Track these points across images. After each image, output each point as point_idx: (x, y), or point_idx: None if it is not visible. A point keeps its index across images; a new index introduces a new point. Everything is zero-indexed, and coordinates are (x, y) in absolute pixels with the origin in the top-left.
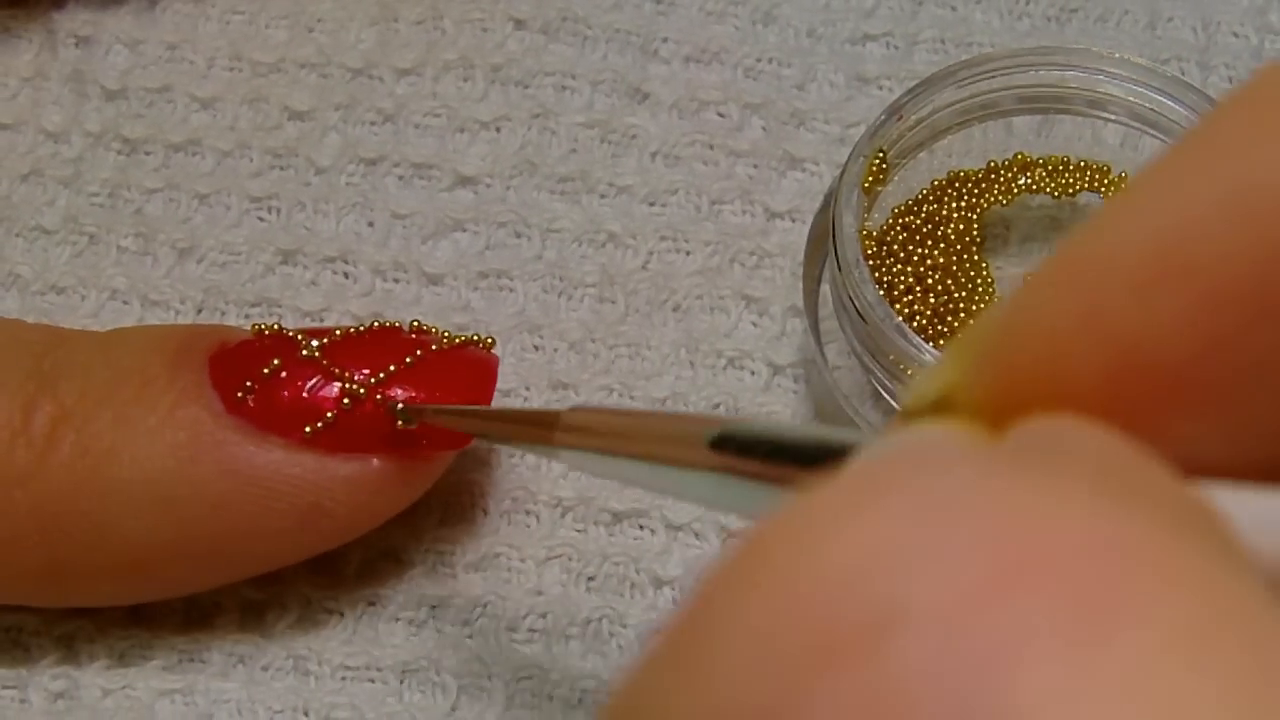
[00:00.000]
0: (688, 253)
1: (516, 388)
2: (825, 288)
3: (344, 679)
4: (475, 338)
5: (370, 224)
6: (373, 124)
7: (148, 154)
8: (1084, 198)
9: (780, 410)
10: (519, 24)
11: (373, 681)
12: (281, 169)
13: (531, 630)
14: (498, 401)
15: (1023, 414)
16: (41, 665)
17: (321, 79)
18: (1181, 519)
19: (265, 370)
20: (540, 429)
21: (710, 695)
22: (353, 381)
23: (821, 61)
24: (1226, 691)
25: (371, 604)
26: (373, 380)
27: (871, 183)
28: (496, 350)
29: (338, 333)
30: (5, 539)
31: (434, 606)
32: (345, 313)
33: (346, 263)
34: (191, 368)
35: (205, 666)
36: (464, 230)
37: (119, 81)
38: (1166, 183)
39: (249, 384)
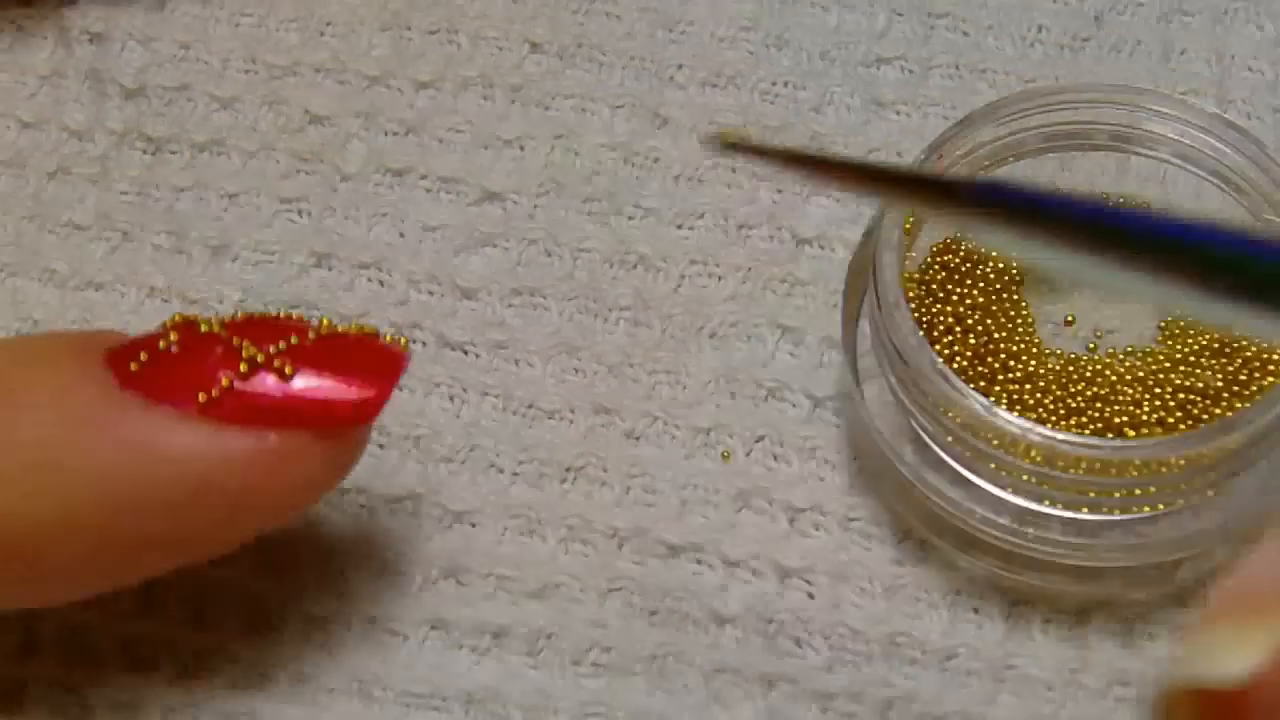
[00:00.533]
0: (719, 277)
1: (560, 409)
2: (863, 324)
3: (407, 705)
4: (391, 336)
5: (401, 234)
6: (395, 134)
7: (173, 153)
8: None
9: (823, 445)
10: (535, 46)
11: (437, 710)
12: (308, 173)
13: (595, 664)
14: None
15: None
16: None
17: (339, 84)
18: None
19: (161, 344)
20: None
21: None
22: (250, 349)
23: (836, 84)
24: None
25: (435, 628)
26: (271, 349)
27: (912, 223)
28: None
29: (239, 316)
30: None
31: (496, 635)
32: (383, 319)
33: (381, 270)
34: (89, 352)
35: (269, 684)
36: (494, 245)
37: (136, 80)
38: None
39: (142, 356)
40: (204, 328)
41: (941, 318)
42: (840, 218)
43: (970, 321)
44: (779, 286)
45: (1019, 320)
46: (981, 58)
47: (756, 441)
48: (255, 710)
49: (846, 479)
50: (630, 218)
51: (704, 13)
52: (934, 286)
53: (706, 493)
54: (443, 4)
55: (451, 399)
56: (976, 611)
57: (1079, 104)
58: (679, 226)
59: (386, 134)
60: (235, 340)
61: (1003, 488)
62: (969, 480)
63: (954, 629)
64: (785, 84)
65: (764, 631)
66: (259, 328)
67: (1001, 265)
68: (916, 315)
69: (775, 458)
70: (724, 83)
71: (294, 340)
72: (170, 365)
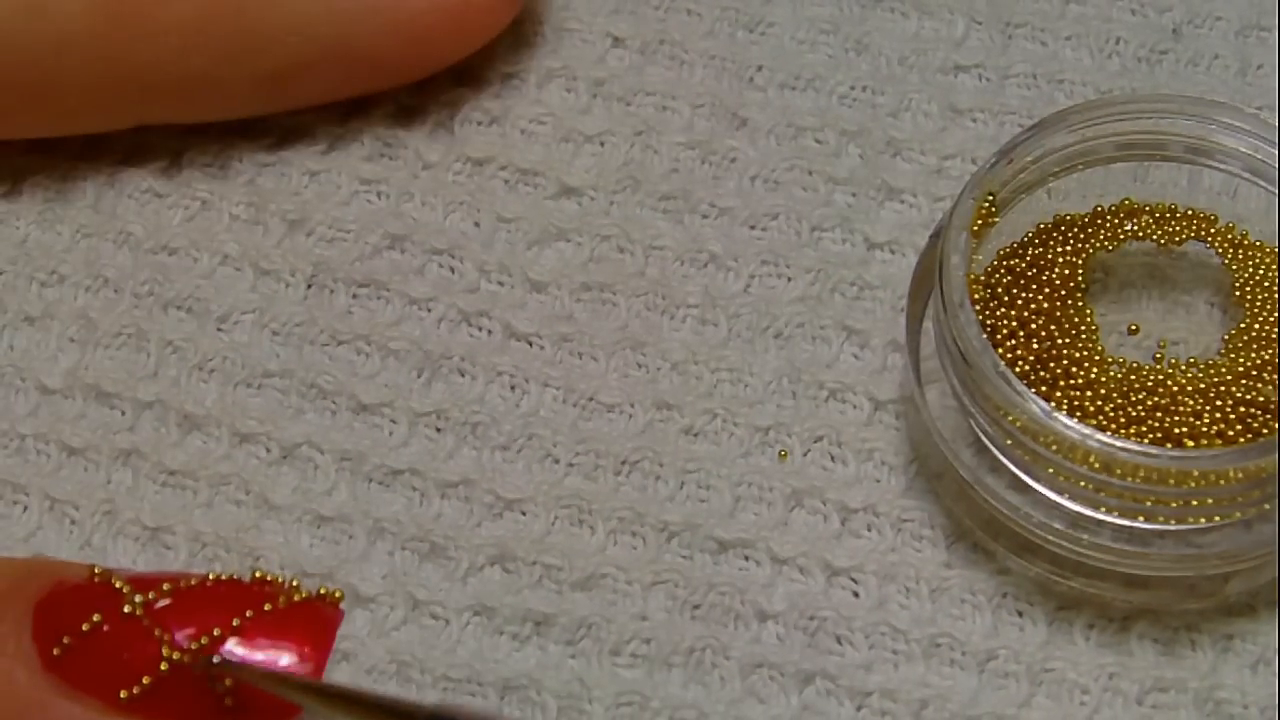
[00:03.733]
0: (789, 279)
1: (621, 403)
2: (928, 325)
3: (445, 690)
4: (322, 591)
5: (476, 223)
6: (479, 124)
7: (261, 132)
8: (1190, 246)
9: (881, 447)
10: (617, 41)
11: (473, 695)
12: (391, 158)
13: (634, 655)
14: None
15: None
16: None
17: None
18: None
19: (85, 626)
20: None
21: None
22: (174, 646)
23: (914, 90)
24: None
25: (478, 614)
26: (195, 644)
27: (980, 225)
28: (343, 606)
29: (166, 587)
30: None
31: (539, 623)
32: (451, 305)
33: (453, 257)
34: (13, 614)
35: None
36: (568, 240)
37: None
38: None
39: (65, 641)
40: (127, 608)
41: (1005, 321)
42: (914, 223)
43: (1034, 326)
44: (848, 289)
45: (1082, 327)
46: (1059, 68)
47: (815, 442)
48: None
49: (903, 482)
50: (704, 216)
51: (785, 15)
52: (999, 290)
53: (761, 490)
54: None
55: (513, 388)
56: (1021, 615)
57: (1151, 114)
58: (752, 227)
59: (470, 124)
60: (158, 632)
61: (1059, 493)
62: (1027, 484)
63: (997, 631)
64: (864, 88)
65: (806, 628)
66: (187, 607)
67: (1068, 272)
68: (980, 318)
69: (833, 458)
70: (803, 85)
71: (217, 633)
72: (93, 651)
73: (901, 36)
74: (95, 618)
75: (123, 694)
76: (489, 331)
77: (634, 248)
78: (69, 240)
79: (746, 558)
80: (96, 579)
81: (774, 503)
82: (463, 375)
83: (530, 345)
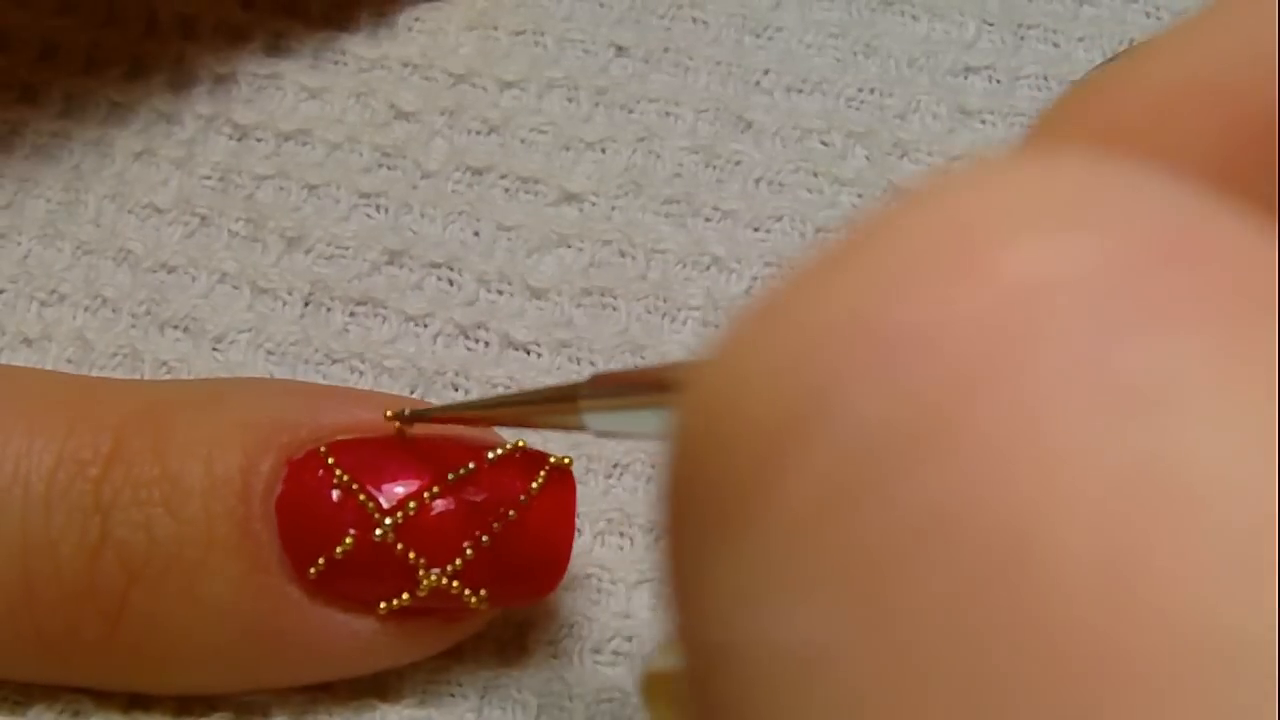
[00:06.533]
0: None
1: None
2: None
3: (424, 693)
4: (552, 461)
5: (476, 233)
6: (479, 133)
7: (259, 140)
8: None
9: None
10: (620, 50)
11: (453, 696)
12: (390, 168)
13: (616, 653)
14: None
15: None
16: None
17: (425, 81)
18: None
19: (338, 550)
20: (563, 402)
21: (845, 306)
22: (427, 571)
23: (923, 92)
24: None
25: None
26: (447, 574)
27: None
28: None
29: (412, 505)
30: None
31: (520, 624)
32: (448, 320)
33: (451, 269)
34: (258, 520)
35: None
36: (569, 246)
37: (228, 65)
38: None
39: (320, 561)
40: (378, 532)
41: None
42: None
43: None
44: None
45: None
46: (1071, 69)
47: None
48: (268, 704)
49: None
50: (707, 219)
51: (793, 19)
52: None
53: None
54: (529, 5)
55: None
56: None
57: None
58: (755, 229)
59: (470, 132)
60: (411, 556)
61: None
62: None
63: None
64: (872, 91)
65: None
66: (433, 527)
67: None
68: None
69: None
70: (810, 89)
71: (469, 552)
72: (349, 572)
73: (911, 39)
74: (348, 540)
75: (382, 606)
76: (485, 344)
77: (635, 251)
78: (70, 258)
79: None
80: (336, 477)
81: None
82: (456, 390)
83: (528, 354)
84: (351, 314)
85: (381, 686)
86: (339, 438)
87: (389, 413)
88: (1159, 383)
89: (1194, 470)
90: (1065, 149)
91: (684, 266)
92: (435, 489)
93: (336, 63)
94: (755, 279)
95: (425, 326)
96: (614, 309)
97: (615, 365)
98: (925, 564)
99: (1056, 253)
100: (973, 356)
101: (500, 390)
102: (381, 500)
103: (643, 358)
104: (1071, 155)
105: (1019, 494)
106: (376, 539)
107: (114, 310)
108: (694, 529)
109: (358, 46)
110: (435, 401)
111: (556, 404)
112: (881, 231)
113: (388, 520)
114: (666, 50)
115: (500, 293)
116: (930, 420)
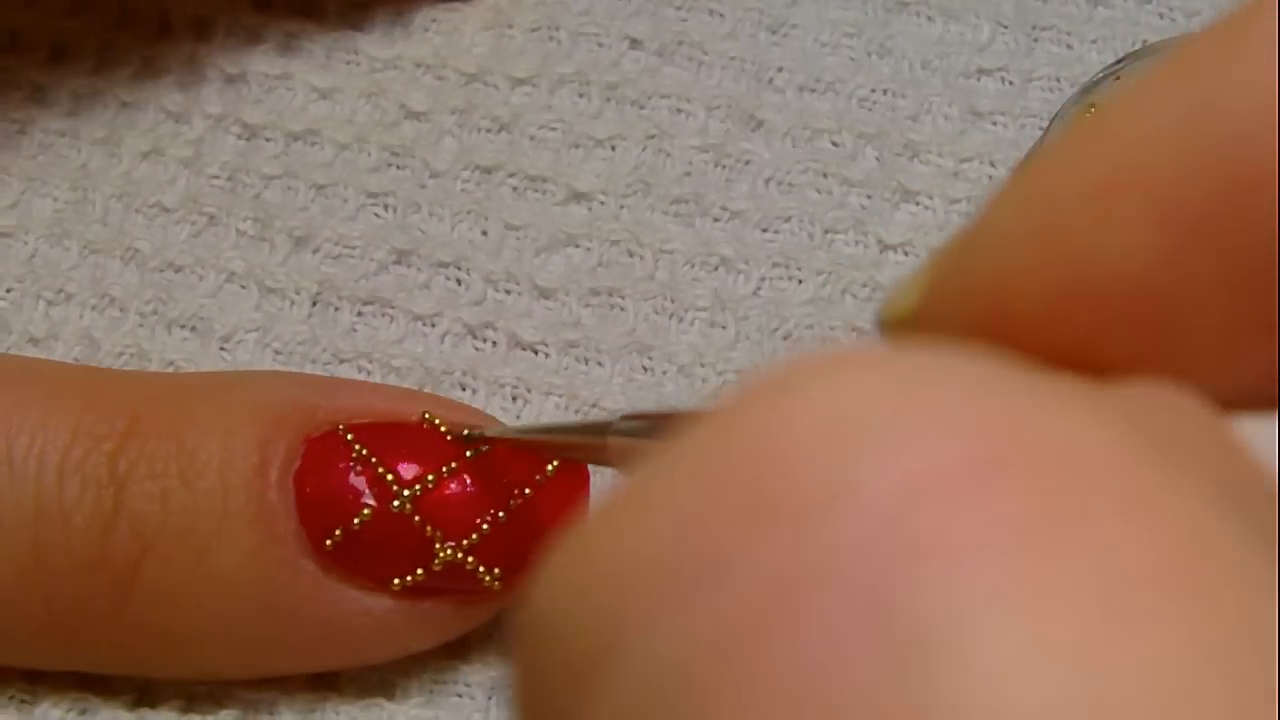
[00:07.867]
0: (800, 281)
1: (624, 408)
2: None
3: (432, 692)
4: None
5: (484, 232)
6: (488, 131)
7: (268, 140)
8: None
9: None
10: (634, 43)
11: (460, 696)
12: (399, 168)
13: None
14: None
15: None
16: None
17: (437, 80)
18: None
19: (355, 521)
20: (593, 436)
21: (642, 543)
22: (444, 545)
23: (935, 94)
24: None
25: None
26: (462, 548)
27: None
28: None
29: (430, 478)
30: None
31: None
32: (456, 319)
33: (459, 269)
34: (275, 491)
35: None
36: (576, 246)
37: (238, 65)
38: (1134, 103)
39: (337, 532)
40: (396, 504)
41: None
42: (929, 225)
43: None
44: (859, 291)
45: None
46: (1084, 71)
47: None
48: (275, 701)
49: None
50: (716, 219)
51: (809, 17)
52: None
53: None
54: (547, 2)
55: (514, 399)
56: None
57: None
58: (764, 229)
59: (479, 131)
60: (429, 529)
61: None
62: None
63: None
64: (884, 91)
65: None
66: (451, 501)
67: None
68: None
69: None
70: (822, 88)
71: (485, 527)
72: (365, 545)
73: (925, 40)
74: (365, 511)
75: (396, 583)
76: (493, 343)
77: (643, 251)
78: (77, 257)
79: None
80: (354, 451)
81: None
82: (464, 389)
83: (535, 354)
84: (359, 313)
85: (388, 686)
86: (356, 420)
87: (466, 432)
88: (939, 626)
89: None
90: (894, 344)
91: (692, 267)
92: (453, 464)
93: (349, 63)
94: (763, 280)
95: (433, 326)
96: (621, 309)
97: (622, 365)
98: None
99: (850, 482)
100: (762, 600)
101: (508, 390)
102: (401, 473)
103: (650, 358)
104: (892, 361)
105: None
106: (394, 509)
107: (121, 309)
108: None
109: (371, 47)
110: None
111: (585, 436)
112: (688, 458)
113: (405, 491)
114: (681, 43)
115: (508, 292)
116: (720, 667)
